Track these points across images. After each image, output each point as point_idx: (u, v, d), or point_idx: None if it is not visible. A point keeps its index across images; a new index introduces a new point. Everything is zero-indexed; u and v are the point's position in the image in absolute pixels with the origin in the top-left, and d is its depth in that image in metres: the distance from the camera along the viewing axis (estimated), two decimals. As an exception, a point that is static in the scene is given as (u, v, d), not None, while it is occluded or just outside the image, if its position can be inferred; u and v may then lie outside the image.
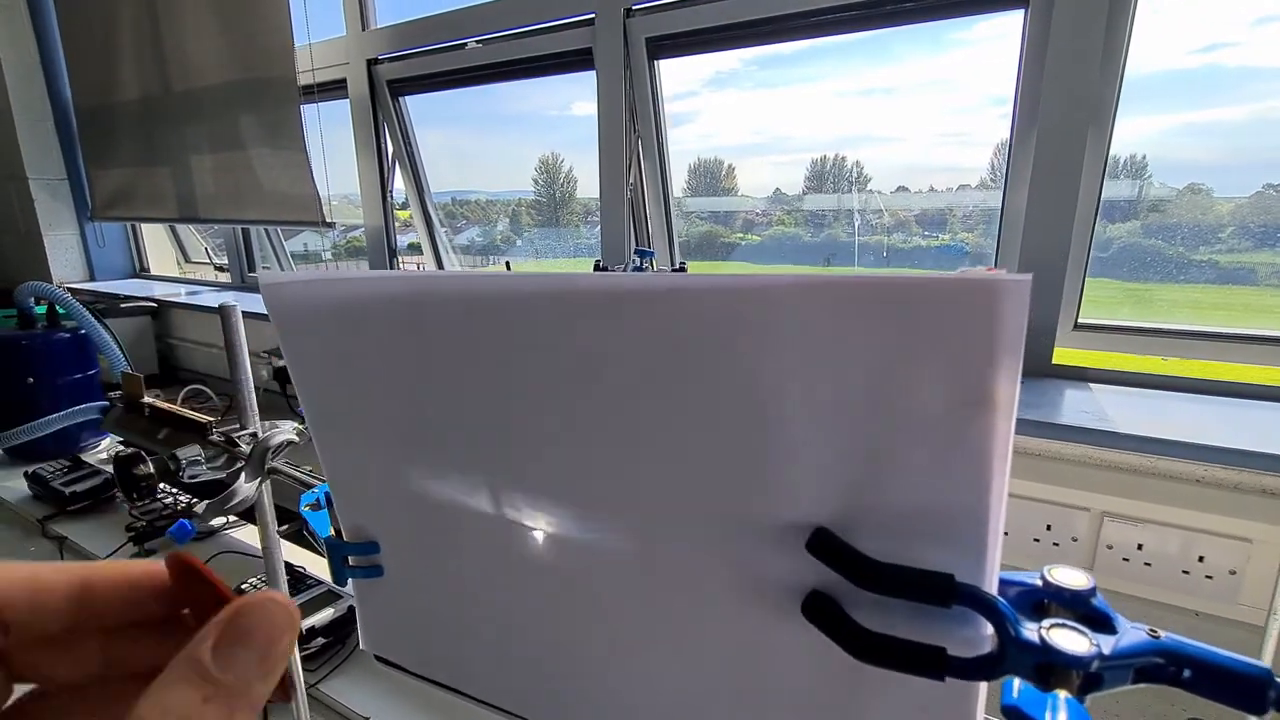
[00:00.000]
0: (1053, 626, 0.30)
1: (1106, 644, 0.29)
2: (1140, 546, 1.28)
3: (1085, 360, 1.58)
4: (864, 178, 2.02)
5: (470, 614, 0.54)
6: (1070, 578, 0.33)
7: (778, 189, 2.24)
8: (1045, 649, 0.29)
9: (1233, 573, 1.22)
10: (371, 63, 2.50)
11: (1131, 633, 0.30)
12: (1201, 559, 1.24)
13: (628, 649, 0.47)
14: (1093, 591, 0.33)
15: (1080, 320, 1.60)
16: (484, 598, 0.53)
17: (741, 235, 2.35)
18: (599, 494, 0.44)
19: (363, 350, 0.49)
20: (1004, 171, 1.66)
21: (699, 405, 0.38)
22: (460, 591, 0.54)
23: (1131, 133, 1.49)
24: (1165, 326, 1.54)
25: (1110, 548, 1.30)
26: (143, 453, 0.85)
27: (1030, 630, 0.30)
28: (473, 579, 0.53)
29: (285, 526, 1.30)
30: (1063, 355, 1.59)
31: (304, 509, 0.60)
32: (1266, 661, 1.03)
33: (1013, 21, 1.55)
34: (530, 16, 2.10)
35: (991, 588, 0.32)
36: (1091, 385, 1.54)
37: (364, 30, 2.51)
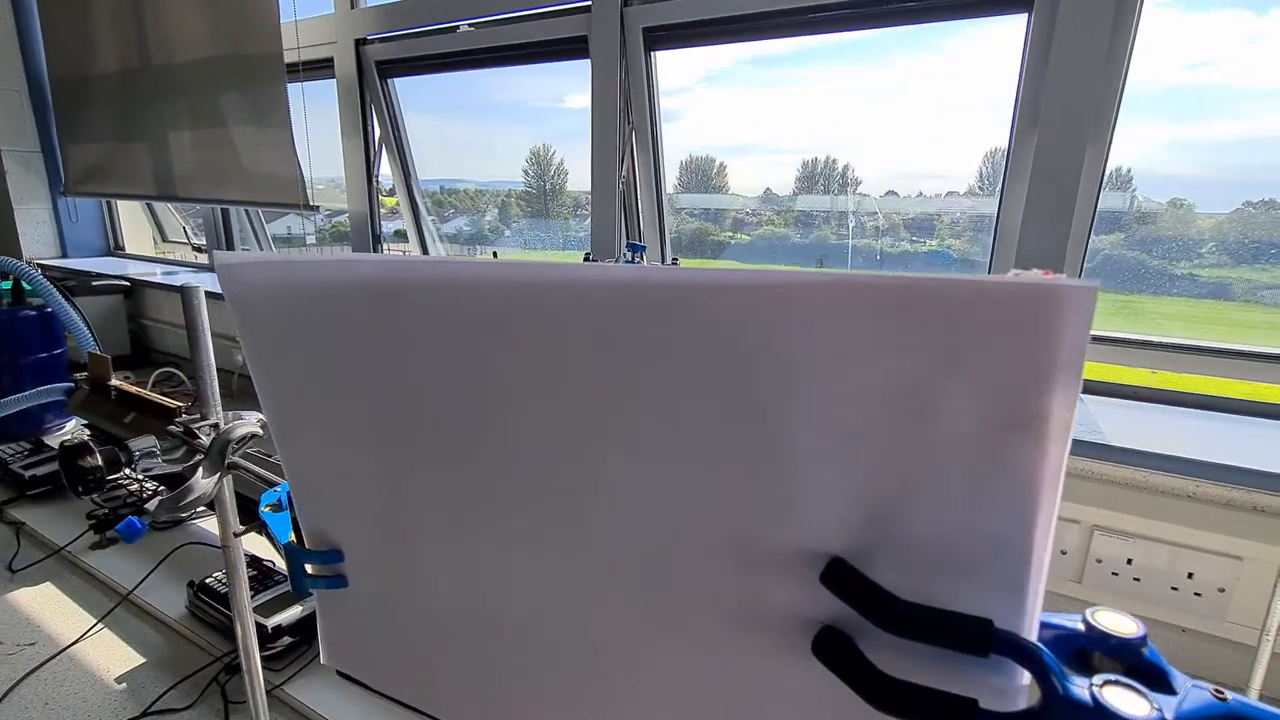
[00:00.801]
0: (1106, 684, 0.26)
1: (1168, 707, 0.26)
2: (1130, 561, 1.26)
3: (1077, 370, 1.57)
4: (854, 180, 2.00)
5: (440, 632, 0.50)
6: (1117, 623, 0.30)
7: (768, 189, 2.21)
8: (1098, 710, 0.25)
9: (1222, 590, 1.20)
10: (360, 43, 2.43)
11: (1194, 693, 0.26)
12: (1191, 575, 1.22)
13: (611, 678, 0.43)
14: (1143, 640, 0.29)
15: (1073, 330, 1.58)
16: (455, 616, 0.48)
17: (731, 234, 2.32)
18: (587, 505, 0.40)
19: (328, 340, 0.44)
20: (1001, 178, 1.63)
21: (704, 411, 0.34)
22: (429, 607, 0.50)
23: (1118, 145, 1.47)
24: (1155, 339, 1.53)
25: (1099, 561, 1.28)
26: (91, 443, 0.80)
27: (1080, 687, 0.26)
28: (443, 595, 0.48)
29: (248, 528, 1.24)
30: (1055, 365, 1.57)
31: (264, 510, 0.56)
32: (1257, 683, 1.00)
33: (1008, 27, 1.52)
34: (525, 1, 2.04)
35: (1031, 634, 0.28)
36: (1083, 396, 1.52)
37: (353, 8, 2.43)
